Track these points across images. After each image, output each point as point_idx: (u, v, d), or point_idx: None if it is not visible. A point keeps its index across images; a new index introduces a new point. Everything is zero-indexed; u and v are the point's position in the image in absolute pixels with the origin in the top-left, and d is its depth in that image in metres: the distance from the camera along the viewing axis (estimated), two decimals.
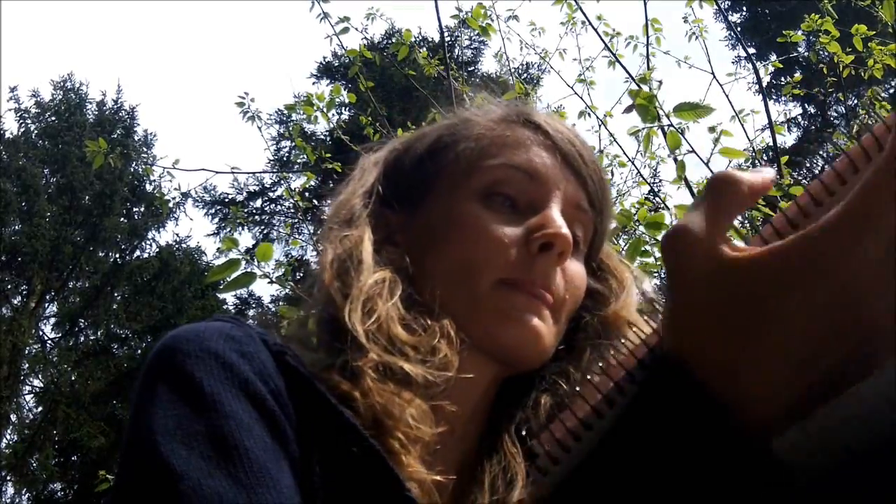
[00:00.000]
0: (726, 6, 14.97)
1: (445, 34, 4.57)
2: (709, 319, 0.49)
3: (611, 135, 4.04)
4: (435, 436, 0.75)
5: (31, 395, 15.16)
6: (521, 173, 0.86)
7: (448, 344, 0.78)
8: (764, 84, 4.18)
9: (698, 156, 3.07)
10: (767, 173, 0.54)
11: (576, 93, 4.17)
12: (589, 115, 4.11)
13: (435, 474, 0.73)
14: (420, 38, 12.69)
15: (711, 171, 3.23)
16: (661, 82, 3.08)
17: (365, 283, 0.80)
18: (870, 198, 0.46)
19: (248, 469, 0.60)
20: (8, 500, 14.04)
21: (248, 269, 2.55)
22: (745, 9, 15.47)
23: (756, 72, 4.37)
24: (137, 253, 17.06)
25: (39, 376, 15.22)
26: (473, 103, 0.97)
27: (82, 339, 15.96)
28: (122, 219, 16.89)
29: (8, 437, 14.49)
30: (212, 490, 0.58)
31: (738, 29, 14.84)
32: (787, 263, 0.47)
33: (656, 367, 0.52)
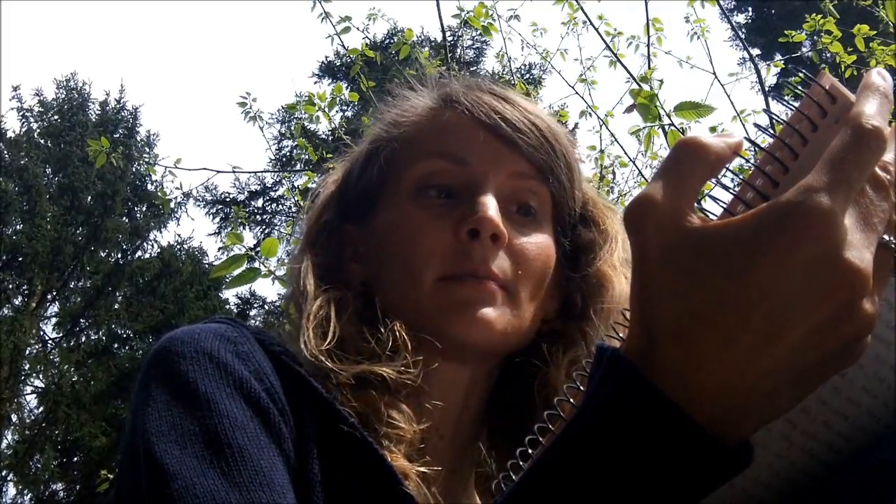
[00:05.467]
0: (731, 6, 14.94)
1: (447, 34, 4.58)
2: (673, 293, 0.46)
3: (612, 135, 4.04)
4: (417, 433, 0.75)
5: (33, 396, 15.16)
6: (448, 160, 0.85)
7: (404, 345, 0.78)
8: (768, 84, 4.18)
9: None
10: (735, 137, 0.51)
11: (577, 93, 4.16)
12: (590, 114, 4.11)
13: (419, 466, 0.73)
14: (423, 37, 12.70)
15: None
16: (661, 81, 3.08)
17: (311, 310, 0.81)
18: (842, 164, 0.45)
19: (241, 468, 0.60)
20: (9, 501, 14.04)
21: (252, 266, 2.55)
22: (750, 9, 15.44)
23: (758, 72, 4.37)
24: (139, 253, 17.07)
25: (40, 376, 15.22)
26: (397, 100, 0.94)
27: (83, 339, 15.96)
28: (123, 219, 16.89)
29: (9, 437, 14.50)
30: (205, 489, 0.58)
31: (744, 29, 14.80)
32: (765, 226, 0.45)
33: (610, 369, 0.49)
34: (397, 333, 0.79)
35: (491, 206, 0.81)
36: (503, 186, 0.84)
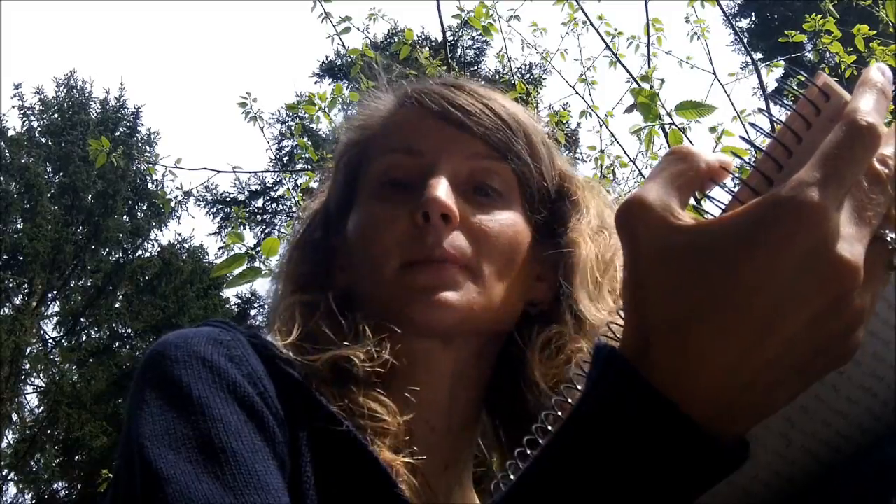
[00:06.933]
0: (734, 11, 14.97)
1: (447, 34, 4.58)
2: (667, 292, 0.46)
3: (612, 135, 4.05)
4: (402, 425, 0.75)
5: (33, 395, 15.18)
6: (401, 154, 0.86)
7: (362, 332, 0.79)
8: (769, 87, 4.18)
9: None
10: (726, 157, 0.51)
11: (577, 93, 4.17)
12: (590, 114, 4.11)
13: (405, 457, 0.73)
14: (423, 37, 12.70)
15: None
16: (662, 81, 3.08)
17: (280, 309, 0.84)
18: (834, 160, 0.45)
19: (235, 472, 0.60)
20: (10, 500, 14.06)
21: (253, 266, 2.55)
22: (753, 14, 15.47)
23: (759, 75, 4.37)
24: (140, 252, 17.09)
25: (41, 376, 15.23)
26: (362, 106, 0.96)
27: (84, 338, 15.97)
28: (124, 218, 16.91)
29: (10, 436, 14.52)
30: (200, 493, 0.58)
31: (746, 34, 14.83)
32: (757, 220, 0.45)
33: (607, 366, 0.49)
34: (359, 323, 0.79)
35: (438, 186, 0.81)
36: (459, 169, 0.84)
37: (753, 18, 15.66)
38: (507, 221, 0.85)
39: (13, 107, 17.52)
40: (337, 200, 0.92)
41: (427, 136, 0.86)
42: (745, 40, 10.97)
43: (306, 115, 4.35)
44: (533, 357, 0.83)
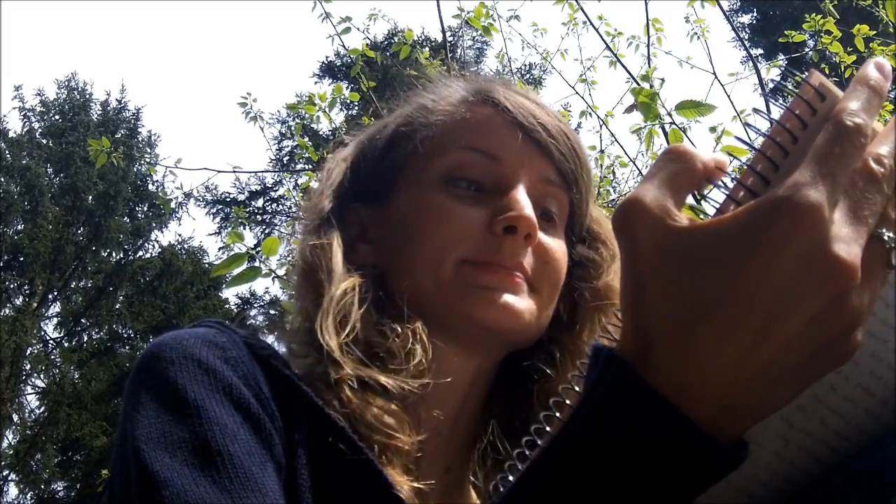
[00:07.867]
0: (736, 6, 14.96)
1: (448, 34, 4.58)
2: (666, 294, 0.46)
3: (612, 135, 4.05)
4: (415, 444, 0.74)
5: (34, 396, 15.18)
6: (482, 155, 0.84)
7: (422, 349, 0.77)
8: (769, 85, 4.19)
9: None
10: (722, 157, 0.52)
11: (577, 93, 4.18)
12: (590, 114, 4.11)
13: (415, 481, 0.72)
14: (423, 37, 12.70)
15: None
16: (662, 81, 3.08)
17: (335, 293, 0.79)
18: (825, 159, 0.46)
19: (232, 474, 0.60)
20: (11, 500, 14.06)
21: (253, 265, 2.55)
22: (755, 10, 15.45)
23: (758, 72, 4.37)
24: (140, 253, 17.10)
25: (41, 376, 15.24)
26: (430, 87, 0.93)
27: (85, 339, 15.98)
28: (125, 218, 16.92)
29: (10, 437, 14.52)
30: (197, 496, 0.58)
31: (748, 30, 14.82)
32: (754, 221, 0.45)
33: (606, 370, 0.49)
34: (418, 335, 0.78)
35: (528, 204, 0.82)
36: (532, 189, 0.84)
37: (755, 14, 15.63)
38: (564, 249, 0.86)
39: (14, 108, 17.59)
40: (384, 167, 0.89)
41: (508, 146, 0.85)
42: (747, 37, 10.96)
43: (306, 116, 4.35)
44: (563, 377, 0.84)
